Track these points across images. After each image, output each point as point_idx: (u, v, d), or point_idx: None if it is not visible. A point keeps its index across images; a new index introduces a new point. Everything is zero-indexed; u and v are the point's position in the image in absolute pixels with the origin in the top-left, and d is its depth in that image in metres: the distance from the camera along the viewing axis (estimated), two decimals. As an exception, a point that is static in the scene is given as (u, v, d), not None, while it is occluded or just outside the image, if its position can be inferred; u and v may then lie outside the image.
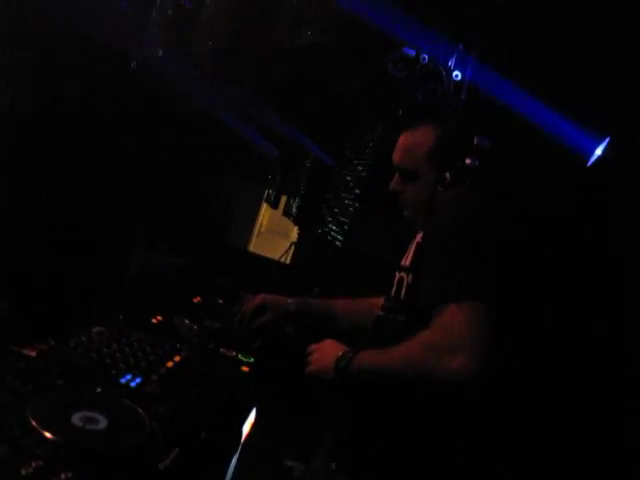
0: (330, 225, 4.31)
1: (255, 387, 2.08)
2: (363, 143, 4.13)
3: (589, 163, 2.93)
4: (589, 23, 2.96)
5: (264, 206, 8.17)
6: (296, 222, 5.52)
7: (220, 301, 2.12)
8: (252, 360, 1.61)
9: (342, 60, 4.33)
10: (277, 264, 4.10)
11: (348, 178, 4.20)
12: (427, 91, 3.61)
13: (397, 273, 1.52)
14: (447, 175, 1.48)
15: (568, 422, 2.01)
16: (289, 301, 1.95)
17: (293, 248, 4.94)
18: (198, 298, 2.08)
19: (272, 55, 4.73)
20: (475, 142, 1.48)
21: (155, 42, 6.02)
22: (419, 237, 1.52)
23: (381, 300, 1.82)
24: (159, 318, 1.72)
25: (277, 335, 2.09)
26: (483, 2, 3.45)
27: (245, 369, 1.55)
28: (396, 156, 1.59)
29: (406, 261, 1.52)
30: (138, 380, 1.26)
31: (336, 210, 4.30)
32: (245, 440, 2.03)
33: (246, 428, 1.97)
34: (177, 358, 1.45)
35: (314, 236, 4.76)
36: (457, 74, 3.56)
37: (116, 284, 2.04)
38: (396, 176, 1.61)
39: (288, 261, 4.82)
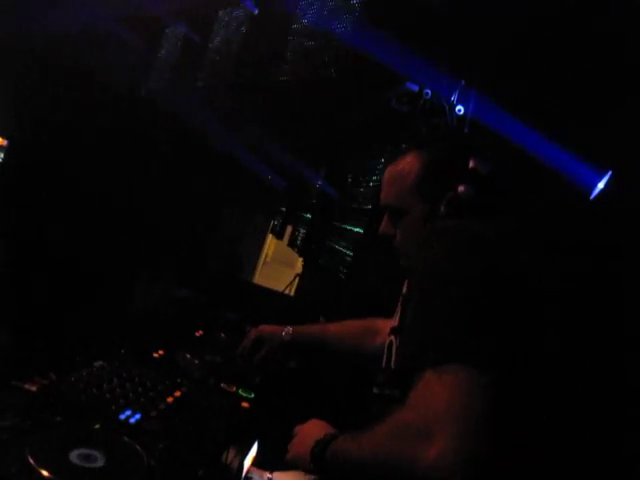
0: (334, 257, 4.32)
1: (257, 422, 2.07)
2: (367, 175, 4.17)
3: (592, 197, 2.95)
4: (590, 57, 3.00)
5: (270, 236, 8.21)
6: (301, 253, 5.54)
7: (222, 335, 2.12)
8: (252, 396, 1.60)
9: (345, 94, 4.40)
10: (281, 296, 4.10)
11: (351, 212, 4.23)
12: (431, 126, 3.66)
13: (387, 336, 1.30)
14: (442, 207, 1.25)
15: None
16: (283, 332, 1.89)
17: (297, 280, 4.94)
18: (201, 332, 2.09)
19: (276, 89, 4.80)
20: (470, 166, 1.27)
21: (163, 75, 6.13)
22: (405, 287, 1.28)
23: (374, 321, 1.75)
24: (161, 352, 1.73)
25: (278, 370, 2.09)
26: (484, 38, 3.51)
27: (245, 405, 1.54)
28: (382, 193, 1.40)
29: (395, 321, 1.30)
30: (137, 416, 1.26)
31: (340, 242, 4.32)
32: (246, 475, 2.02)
33: (247, 462, 1.96)
34: (177, 393, 1.45)
35: (318, 267, 4.77)
36: (460, 109, 3.61)
37: (119, 317, 2.05)
38: (385, 218, 1.41)
39: (292, 293, 4.82)
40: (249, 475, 2.29)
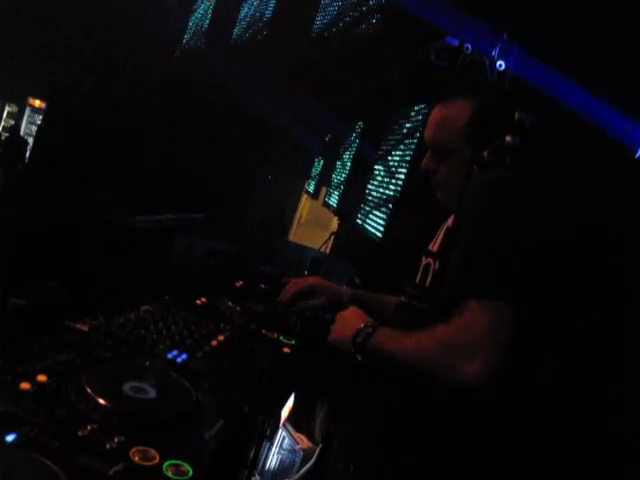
0: (369, 216, 4.32)
1: (295, 372, 2.12)
2: (405, 134, 4.13)
3: (637, 155, 2.87)
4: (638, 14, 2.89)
5: (304, 197, 8.22)
6: (336, 213, 5.56)
7: (262, 285, 2.16)
8: (293, 342, 1.64)
9: (386, 49, 4.33)
10: (317, 253, 4.13)
11: (389, 168, 4.20)
12: (470, 81, 3.59)
13: (424, 258, 1.43)
14: (485, 153, 1.33)
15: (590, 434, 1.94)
16: (343, 289, 1.89)
17: (333, 238, 4.97)
18: (241, 282, 2.13)
19: (314, 43, 4.75)
20: (516, 117, 1.33)
21: (199, 35, 6.12)
22: (450, 221, 1.40)
23: None
24: (203, 300, 1.77)
25: (316, 321, 2.13)
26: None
27: (286, 350, 1.58)
28: (428, 131, 1.46)
29: (434, 246, 1.43)
30: (184, 356, 1.31)
31: (376, 201, 4.31)
32: (283, 424, 2.08)
33: (285, 412, 2.01)
34: (221, 337, 1.50)
35: (353, 227, 4.78)
36: (501, 64, 3.53)
37: (163, 267, 2.10)
38: (428, 153, 1.49)
39: (328, 251, 4.85)
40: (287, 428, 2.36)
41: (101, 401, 0.99)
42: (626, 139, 2.96)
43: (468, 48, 3.54)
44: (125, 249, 2.22)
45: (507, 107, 1.36)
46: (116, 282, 1.93)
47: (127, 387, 1.06)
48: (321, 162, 6.52)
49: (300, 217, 9.08)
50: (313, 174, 6.86)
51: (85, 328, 1.34)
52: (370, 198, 4.52)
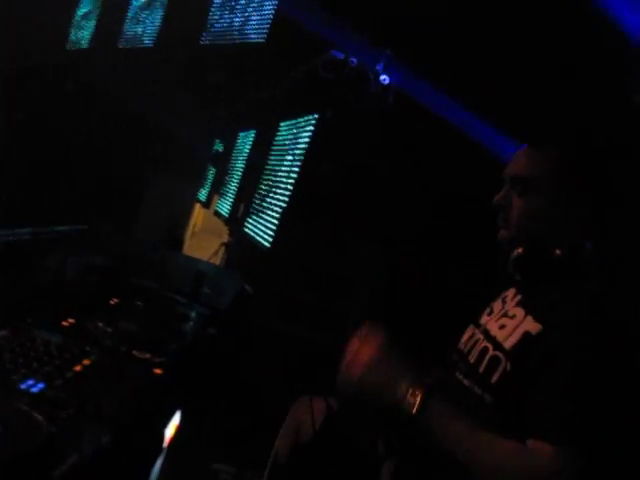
0: (258, 225, 4.30)
1: (177, 390, 2.05)
2: (293, 144, 4.15)
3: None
4: (518, 33, 3.06)
5: (198, 206, 8.05)
6: (226, 222, 5.48)
7: (139, 303, 2.07)
8: (165, 362, 1.58)
9: (275, 60, 4.33)
10: (207, 265, 4.05)
11: (277, 178, 4.20)
12: (356, 93, 3.66)
13: (488, 345, 1.32)
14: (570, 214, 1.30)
15: None
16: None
17: (224, 249, 4.90)
18: (116, 300, 2.04)
19: (203, 51, 4.69)
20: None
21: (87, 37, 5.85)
22: (532, 326, 1.25)
23: None
24: (71, 321, 1.67)
25: (197, 337, 2.07)
26: (411, 9, 3.52)
27: (158, 372, 1.52)
28: (512, 164, 1.41)
29: (503, 336, 1.29)
30: (41, 385, 1.22)
31: (263, 209, 4.30)
32: (170, 444, 2.00)
33: (169, 431, 1.94)
34: (86, 362, 1.41)
35: (243, 237, 4.74)
36: (385, 78, 3.63)
37: (29, 286, 1.97)
38: (505, 188, 1.42)
39: (218, 262, 4.78)
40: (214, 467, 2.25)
41: None
42: (501, 153, 3.13)
43: (353, 61, 3.61)
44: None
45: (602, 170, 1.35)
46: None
47: (-32, 426, 0.97)
48: (211, 170, 6.43)
49: (194, 226, 8.88)
50: (205, 182, 6.75)
51: None
52: (259, 207, 4.51)
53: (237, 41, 4.59)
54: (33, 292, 1.87)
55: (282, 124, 4.48)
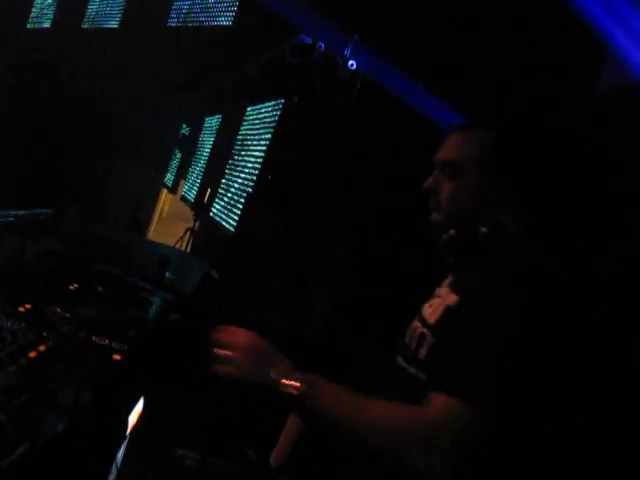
0: (224, 210, 4.26)
1: (140, 376, 2.02)
2: (260, 129, 4.11)
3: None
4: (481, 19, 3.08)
5: (164, 191, 7.95)
6: (192, 207, 5.43)
7: (100, 289, 2.04)
8: (126, 348, 1.55)
9: (241, 44, 4.28)
10: (172, 250, 4.00)
11: (243, 163, 4.17)
12: (323, 78, 3.64)
13: (418, 323, 1.34)
14: (496, 192, 1.33)
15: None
16: None
17: (189, 234, 4.85)
18: (75, 285, 1.99)
19: (169, 35, 4.61)
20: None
21: (45, 16, 5.71)
22: (453, 298, 1.27)
23: None
24: (27, 306, 1.63)
25: (160, 322, 2.05)
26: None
27: (117, 357, 1.50)
28: (440, 151, 1.42)
29: (430, 314, 1.31)
30: (-7, 372, 1.19)
31: (229, 194, 4.26)
32: (133, 430, 1.98)
33: (132, 418, 1.92)
34: (42, 347, 1.38)
35: (208, 222, 4.70)
36: (352, 63, 3.61)
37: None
38: (434, 173, 1.43)
39: (184, 247, 4.73)
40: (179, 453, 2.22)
41: None
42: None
43: (321, 46, 3.59)
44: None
45: (531, 143, 1.38)
46: None
47: None
48: (178, 155, 6.35)
49: (161, 211, 8.78)
50: (172, 167, 6.66)
51: None
52: (225, 192, 4.46)
53: (204, 24, 4.52)
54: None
55: (248, 109, 4.44)
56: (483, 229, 1.33)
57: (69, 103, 4.90)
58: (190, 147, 5.85)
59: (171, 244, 4.54)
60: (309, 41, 3.57)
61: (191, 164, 5.98)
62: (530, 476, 1.26)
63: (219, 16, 4.39)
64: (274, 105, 3.90)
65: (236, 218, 3.81)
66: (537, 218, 1.43)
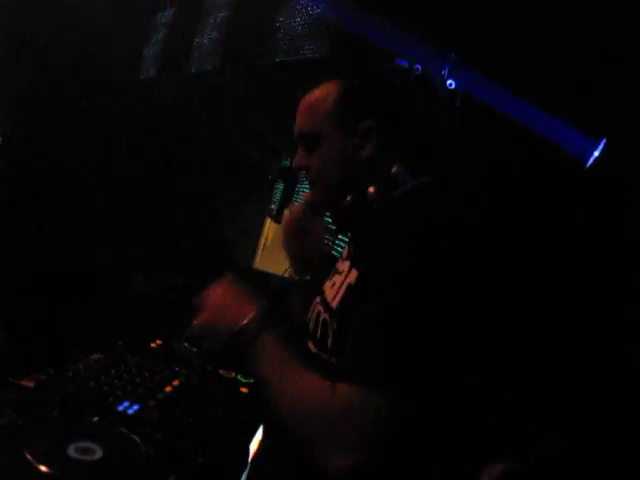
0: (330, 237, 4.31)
1: (259, 406, 2.07)
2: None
3: (587, 165, 2.93)
4: (583, 27, 2.97)
5: (268, 220, 8.18)
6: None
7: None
8: (252, 380, 1.60)
9: (337, 74, 4.35)
10: (280, 279, 4.08)
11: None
12: (422, 100, 3.63)
13: (321, 309, 1.21)
14: (357, 140, 1.17)
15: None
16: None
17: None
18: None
19: (263, 72, 4.77)
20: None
21: (150, 64, 6.08)
22: (352, 276, 1.13)
23: None
24: (158, 342, 1.73)
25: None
26: (474, 10, 3.47)
27: (244, 390, 1.55)
28: (296, 125, 1.27)
29: (333, 298, 1.18)
30: (136, 407, 1.27)
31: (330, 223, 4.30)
32: (253, 458, 2.03)
33: (253, 446, 1.97)
34: (175, 382, 1.46)
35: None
36: (451, 82, 3.58)
37: (117, 309, 2.05)
38: (299, 149, 1.28)
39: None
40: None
41: (43, 468, 0.94)
42: (576, 151, 3.02)
43: (418, 69, 3.58)
44: (77, 291, 2.16)
45: (379, 85, 1.24)
46: (67, 327, 1.86)
47: (72, 449, 1.02)
48: (281, 186, 6.51)
49: (266, 240, 9.03)
50: (275, 197, 6.85)
51: (30, 384, 1.29)
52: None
53: (301, 56, 4.64)
54: (122, 315, 1.94)
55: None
56: (371, 190, 1.17)
57: (188, 148, 5.15)
58: (293, 177, 5.99)
59: (277, 272, 4.61)
60: (405, 64, 3.58)
61: (293, 194, 6.13)
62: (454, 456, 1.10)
63: (313, 48, 4.51)
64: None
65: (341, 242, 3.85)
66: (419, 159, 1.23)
